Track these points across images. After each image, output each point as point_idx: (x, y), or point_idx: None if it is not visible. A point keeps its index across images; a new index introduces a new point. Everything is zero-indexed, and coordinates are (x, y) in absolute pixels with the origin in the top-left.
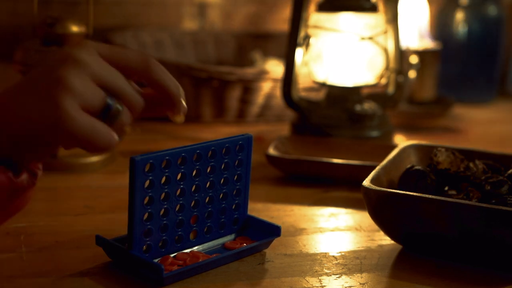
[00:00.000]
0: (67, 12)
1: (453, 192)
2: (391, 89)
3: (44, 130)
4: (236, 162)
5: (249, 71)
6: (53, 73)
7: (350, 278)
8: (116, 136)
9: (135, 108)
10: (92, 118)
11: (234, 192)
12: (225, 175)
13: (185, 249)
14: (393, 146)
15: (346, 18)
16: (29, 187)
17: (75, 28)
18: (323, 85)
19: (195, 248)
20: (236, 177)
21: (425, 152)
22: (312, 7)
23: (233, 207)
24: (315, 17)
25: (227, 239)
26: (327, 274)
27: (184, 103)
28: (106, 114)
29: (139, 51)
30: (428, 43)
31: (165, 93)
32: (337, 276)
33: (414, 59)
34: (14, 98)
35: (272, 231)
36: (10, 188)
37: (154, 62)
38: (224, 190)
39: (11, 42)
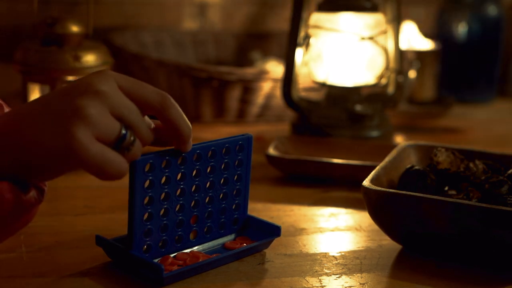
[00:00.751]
0: (67, 12)
1: (453, 192)
2: (391, 89)
3: (56, 157)
4: (236, 162)
5: (249, 71)
6: (72, 102)
7: (350, 278)
8: (127, 166)
9: (145, 142)
10: (104, 147)
11: (234, 192)
12: (225, 175)
13: (185, 249)
14: (393, 146)
15: (346, 18)
16: (37, 204)
17: (75, 28)
18: (323, 85)
19: (195, 248)
20: (236, 177)
21: (425, 152)
22: (312, 7)
23: (233, 207)
24: (315, 17)
25: (227, 239)
26: (327, 274)
27: (190, 142)
28: (119, 145)
29: (157, 89)
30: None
31: (177, 133)
32: (337, 276)
33: (414, 59)
34: (29, 123)
35: (272, 231)
36: (18, 206)
37: (171, 101)
38: (224, 190)
39: (11, 42)
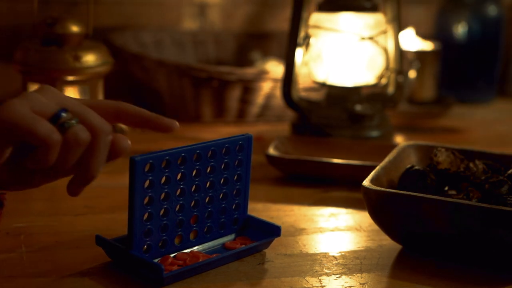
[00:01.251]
0: (67, 12)
1: (453, 192)
2: (391, 89)
3: None
4: (236, 162)
5: (249, 71)
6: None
7: (350, 278)
8: (59, 136)
9: (97, 129)
10: (36, 115)
11: (234, 192)
12: (225, 175)
13: (185, 249)
14: (393, 146)
15: (346, 18)
16: None
17: (75, 28)
18: (323, 85)
19: (195, 248)
20: (236, 177)
21: (425, 152)
22: (312, 7)
23: (233, 207)
24: (315, 17)
25: (227, 239)
26: (327, 274)
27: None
28: (55, 119)
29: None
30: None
31: (143, 119)
32: (337, 276)
33: (414, 59)
34: None
35: (272, 231)
36: None
37: (124, 103)
38: (224, 190)
39: (11, 42)
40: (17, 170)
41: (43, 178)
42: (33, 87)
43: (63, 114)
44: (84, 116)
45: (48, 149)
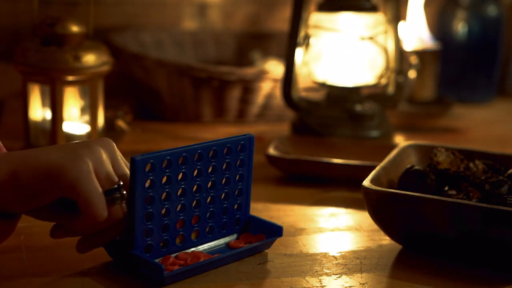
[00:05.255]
0: (67, 12)
1: (453, 192)
2: (391, 89)
3: (55, 173)
4: (238, 162)
5: (249, 71)
6: (85, 142)
7: (350, 278)
8: (106, 216)
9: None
10: (96, 181)
11: (236, 192)
12: (226, 175)
13: (186, 249)
14: (393, 146)
15: (346, 18)
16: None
17: (75, 28)
18: (323, 85)
19: (198, 248)
20: (238, 177)
21: (425, 152)
22: (312, 7)
23: (235, 207)
24: (315, 17)
25: (229, 239)
26: (327, 274)
27: None
28: (110, 195)
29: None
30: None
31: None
32: (337, 276)
33: (414, 59)
34: (41, 149)
35: (274, 231)
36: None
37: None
38: (225, 190)
39: (11, 42)
40: (44, 214)
41: (63, 232)
42: (33, 87)
43: (118, 193)
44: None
45: (93, 222)
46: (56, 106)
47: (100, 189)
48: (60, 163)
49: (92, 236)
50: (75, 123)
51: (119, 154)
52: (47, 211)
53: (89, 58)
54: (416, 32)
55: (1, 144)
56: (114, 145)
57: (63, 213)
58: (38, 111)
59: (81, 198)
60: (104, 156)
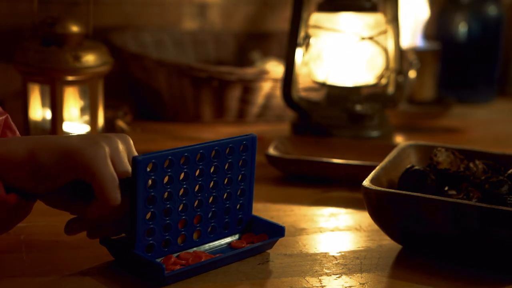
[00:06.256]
0: (67, 12)
1: (453, 192)
2: (391, 89)
3: (72, 154)
4: (240, 162)
5: (249, 71)
6: (103, 135)
7: (350, 278)
8: (120, 199)
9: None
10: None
11: (238, 192)
12: (229, 175)
13: (188, 248)
14: (393, 146)
15: (346, 18)
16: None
17: (75, 28)
18: (323, 85)
19: (199, 248)
20: (240, 177)
21: (425, 152)
22: (312, 7)
23: (238, 207)
24: (315, 17)
25: (231, 239)
26: (327, 274)
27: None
28: (124, 183)
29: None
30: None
31: None
32: (337, 276)
33: (414, 59)
34: (60, 136)
35: (275, 231)
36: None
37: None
38: (228, 190)
39: (11, 42)
40: (58, 201)
41: (78, 225)
42: (33, 87)
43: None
44: None
45: (107, 207)
46: (56, 106)
47: (115, 174)
48: (77, 146)
49: (104, 226)
50: (75, 123)
51: (135, 151)
52: (61, 197)
53: (89, 58)
54: (411, 32)
55: (18, 132)
56: (132, 142)
57: (76, 202)
58: (38, 111)
59: (95, 180)
60: (121, 147)
